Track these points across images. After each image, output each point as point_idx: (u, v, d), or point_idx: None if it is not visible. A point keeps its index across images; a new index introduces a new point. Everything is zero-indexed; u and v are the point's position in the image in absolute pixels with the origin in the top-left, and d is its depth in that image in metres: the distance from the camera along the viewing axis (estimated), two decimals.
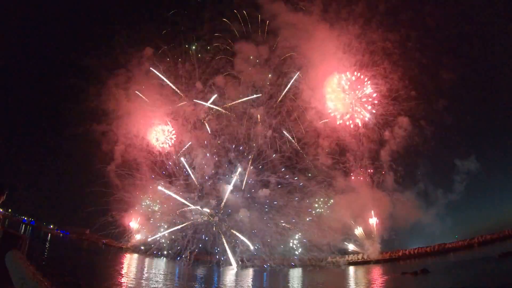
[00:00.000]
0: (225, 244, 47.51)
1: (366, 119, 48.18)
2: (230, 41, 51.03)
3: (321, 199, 48.98)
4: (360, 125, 48.39)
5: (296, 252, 48.04)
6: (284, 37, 48.54)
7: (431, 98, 46.44)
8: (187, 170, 50.53)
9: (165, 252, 49.37)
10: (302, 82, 49.26)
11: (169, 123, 52.01)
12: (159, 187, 49.83)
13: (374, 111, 47.96)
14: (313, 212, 48.81)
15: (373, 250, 47.51)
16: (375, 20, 46.80)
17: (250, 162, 50.04)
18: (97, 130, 50.07)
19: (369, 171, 48.71)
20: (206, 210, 48.60)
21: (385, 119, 47.90)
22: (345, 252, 48.30)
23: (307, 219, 48.58)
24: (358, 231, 47.56)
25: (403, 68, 46.56)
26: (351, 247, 48.31)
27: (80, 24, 53.95)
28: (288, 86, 50.03)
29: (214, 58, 51.47)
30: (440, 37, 46.08)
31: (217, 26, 51.23)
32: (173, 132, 52.16)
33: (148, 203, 51.48)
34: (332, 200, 48.35)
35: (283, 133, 50.27)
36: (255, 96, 50.37)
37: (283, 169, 49.36)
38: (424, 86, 46.51)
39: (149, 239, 50.31)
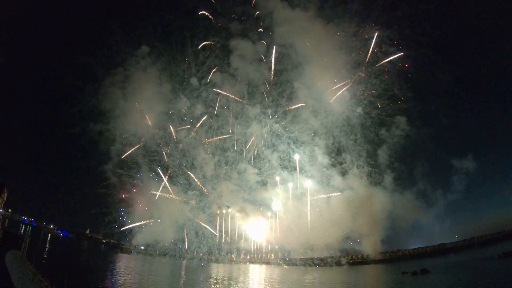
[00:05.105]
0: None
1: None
2: (226, 38, 51.21)
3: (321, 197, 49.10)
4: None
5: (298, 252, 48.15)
6: (280, 34, 48.78)
7: (428, 98, 46.71)
8: (187, 169, 50.62)
9: (166, 252, 49.39)
10: (298, 80, 49.50)
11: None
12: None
13: None
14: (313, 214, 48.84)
15: (373, 250, 47.52)
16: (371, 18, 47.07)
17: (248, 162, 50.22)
18: (94, 130, 49.92)
19: (367, 171, 48.89)
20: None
21: (382, 118, 48.13)
22: (345, 251, 48.30)
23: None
24: (358, 231, 47.57)
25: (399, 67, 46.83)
26: (351, 246, 48.34)
27: (76, 23, 54.00)
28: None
29: (209, 56, 51.58)
30: (436, 37, 46.10)
31: (213, 24, 51.54)
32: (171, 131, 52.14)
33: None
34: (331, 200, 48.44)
35: (281, 132, 50.47)
36: None
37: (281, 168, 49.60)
38: (421, 86, 46.76)
39: (150, 240, 50.28)
